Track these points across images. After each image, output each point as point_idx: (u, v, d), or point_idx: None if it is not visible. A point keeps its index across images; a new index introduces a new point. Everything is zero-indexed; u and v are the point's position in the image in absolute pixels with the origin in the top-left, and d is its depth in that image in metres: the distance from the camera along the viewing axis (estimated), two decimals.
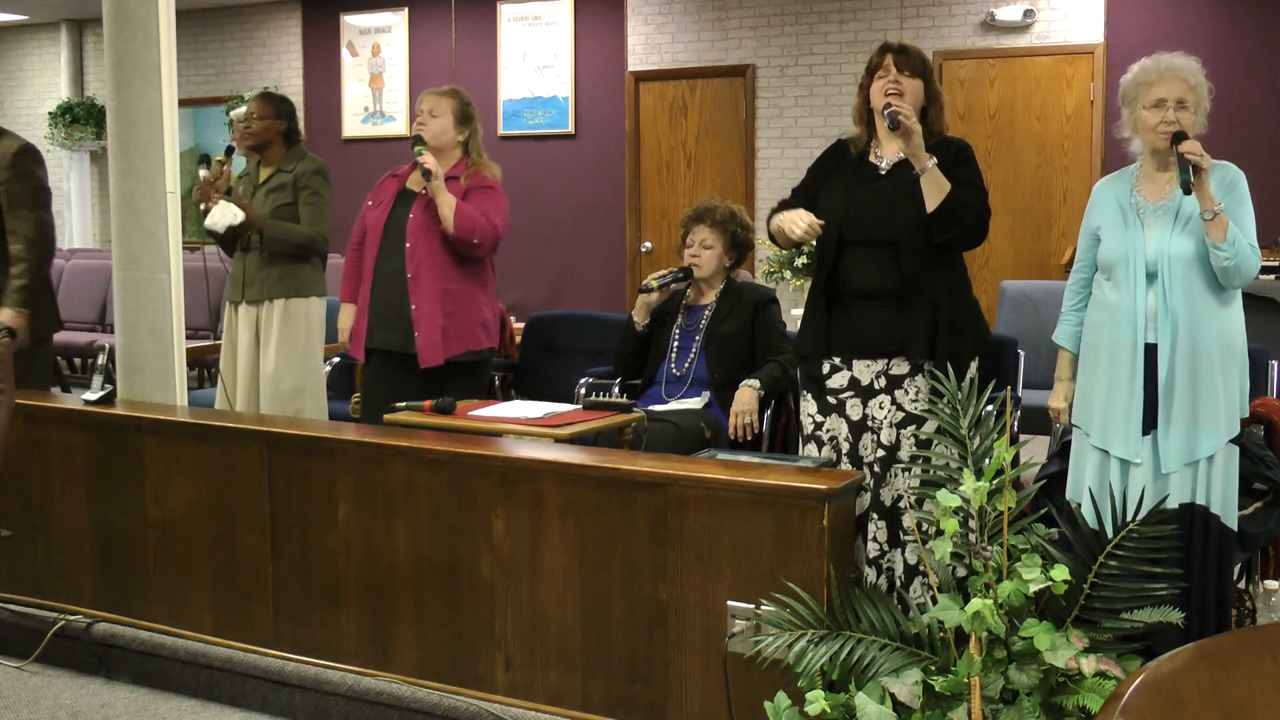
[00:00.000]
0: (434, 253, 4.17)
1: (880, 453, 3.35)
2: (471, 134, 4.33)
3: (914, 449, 3.31)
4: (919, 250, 3.29)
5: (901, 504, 3.34)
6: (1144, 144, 3.18)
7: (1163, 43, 7.37)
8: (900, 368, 3.35)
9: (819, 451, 3.46)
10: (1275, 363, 4.14)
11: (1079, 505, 3.07)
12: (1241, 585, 3.52)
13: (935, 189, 3.24)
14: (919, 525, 2.89)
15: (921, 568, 3.33)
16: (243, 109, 5.88)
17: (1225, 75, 7.41)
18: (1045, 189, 7.82)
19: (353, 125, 10.09)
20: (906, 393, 3.34)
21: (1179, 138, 3.03)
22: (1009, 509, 2.58)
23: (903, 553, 3.34)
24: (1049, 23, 7.79)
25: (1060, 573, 2.52)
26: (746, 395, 4.07)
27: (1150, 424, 3.09)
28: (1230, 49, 7.34)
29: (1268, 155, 7.11)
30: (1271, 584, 3.60)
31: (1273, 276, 6.38)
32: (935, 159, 3.25)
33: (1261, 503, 3.30)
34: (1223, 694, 1.75)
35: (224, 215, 4.66)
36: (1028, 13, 7.77)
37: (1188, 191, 2.96)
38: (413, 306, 4.16)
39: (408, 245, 4.18)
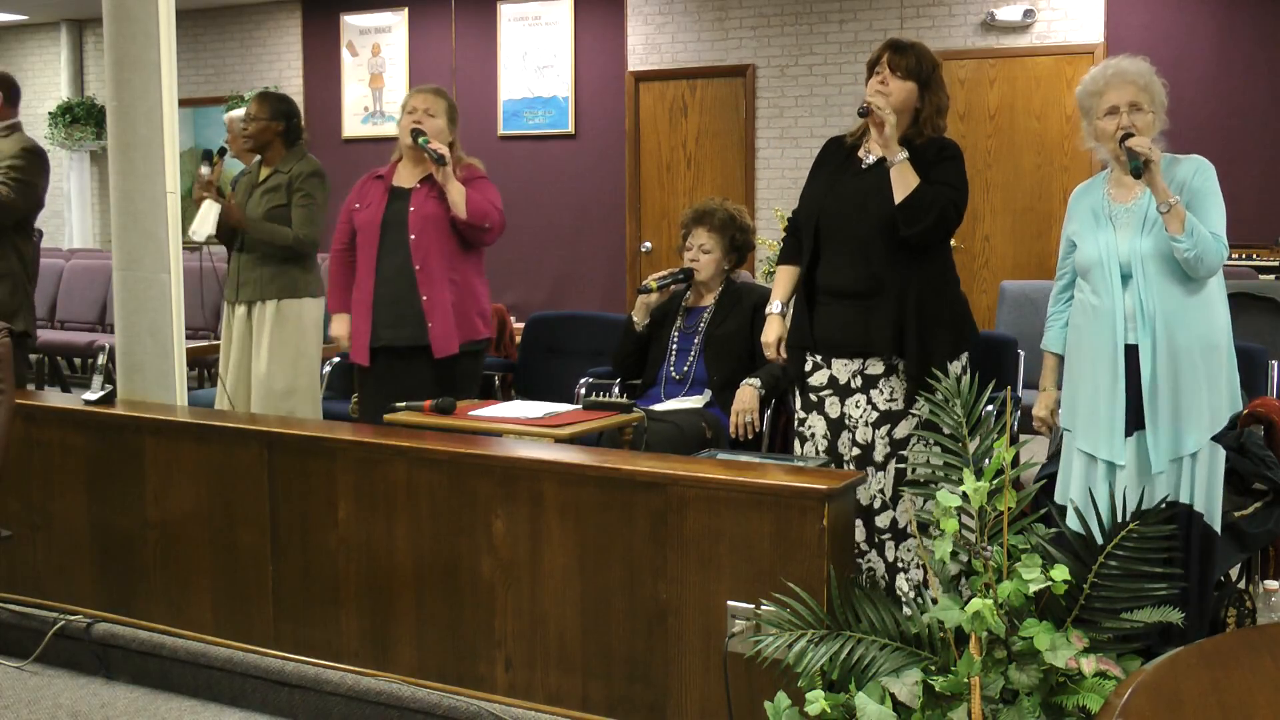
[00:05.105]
0: (440, 242, 4.18)
1: (856, 451, 3.37)
2: (456, 133, 4.38)
3: (889, 449, 3.32)
4: (887, 248, 3.31)
5: (877, 503, 3.35)
6: (1108, 152, 3.19)
7: (1163, 42, 7.36)
8: (875, 367, 3.37)
9: (803, 446, 3.48)
10: (1275, 363, 4.14)
11: (1063, 510, 3.08)
12: (1241, 585, 3.52)
13: (902, 182, 3.27)
14: (917, 523, 2.89)
15: (901, 565, 3.33)
16: (238, 110, 5.86)
17: (1225, 75, 7.42)
18: (1045, 189, 7.81)
19: (353, 125, 10.09)
20: (881, 392, 3.36)
21: (1126, 137, 3.04)
22: (1009, 509, 2.58)
23: (881, 552, 3.34)
24: (1049, 23, 7.79)
25: (1060, 573, 2.52)
26: (747, 394, 4.07)
27: (1134, 425, 3.09)
28: (1230, 49, 7.34)
29: (1268, 155, 7.09)
30: (1271, 584, 3.60)
31: (1273, 276, 6.38)
32: (906, 153, 3.28)
33: (1261, 503, 3.30)
34: (1223, 694, 1.75)
35: (203, 224, 4.67)
36: (1028, 13, 7.77)
37: (1137, 176, 2.99)
38: (424, 298, 4.16)
39: (412, 238, 4.17)
